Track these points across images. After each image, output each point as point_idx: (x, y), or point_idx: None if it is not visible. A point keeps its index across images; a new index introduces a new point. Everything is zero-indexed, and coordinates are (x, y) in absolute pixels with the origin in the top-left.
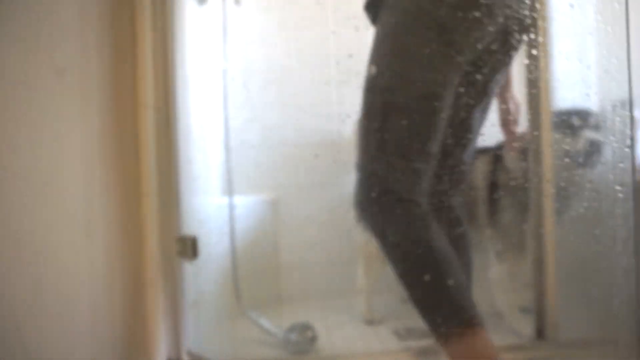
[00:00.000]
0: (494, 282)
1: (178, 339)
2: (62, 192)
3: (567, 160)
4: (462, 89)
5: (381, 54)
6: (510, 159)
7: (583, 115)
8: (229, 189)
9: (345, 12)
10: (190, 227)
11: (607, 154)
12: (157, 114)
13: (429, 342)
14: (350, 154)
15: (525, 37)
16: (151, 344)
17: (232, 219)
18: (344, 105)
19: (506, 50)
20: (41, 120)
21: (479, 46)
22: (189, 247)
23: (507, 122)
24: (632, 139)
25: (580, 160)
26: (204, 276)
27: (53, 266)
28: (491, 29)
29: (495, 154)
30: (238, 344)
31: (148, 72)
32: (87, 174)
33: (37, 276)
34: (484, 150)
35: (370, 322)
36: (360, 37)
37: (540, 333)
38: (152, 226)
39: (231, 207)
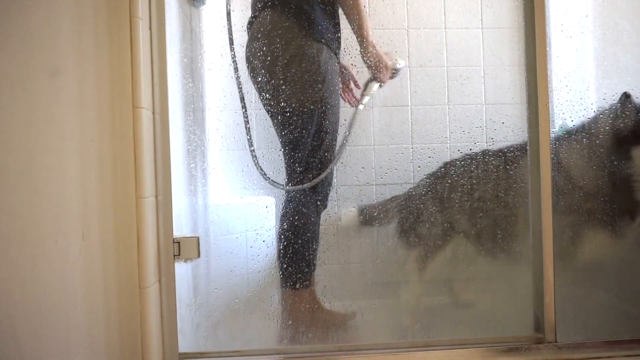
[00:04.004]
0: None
1: (174, 341)
2: (58, 194)
3: None
4: None
5: None
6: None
7: None
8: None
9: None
10: (190, 228)
11: None
12: (153, 115)
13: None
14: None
15: None
16: (147, 346)
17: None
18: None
19: None
20: (36, 122)
21: None
22: (194, 247)
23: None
24: None
25: None
26: (202, 278)
27: (49, 269)
28: None
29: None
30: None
31: (144, 74)
32: (83, 175)
33: (33, 279)
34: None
35: None
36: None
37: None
38: (149, 228)
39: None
